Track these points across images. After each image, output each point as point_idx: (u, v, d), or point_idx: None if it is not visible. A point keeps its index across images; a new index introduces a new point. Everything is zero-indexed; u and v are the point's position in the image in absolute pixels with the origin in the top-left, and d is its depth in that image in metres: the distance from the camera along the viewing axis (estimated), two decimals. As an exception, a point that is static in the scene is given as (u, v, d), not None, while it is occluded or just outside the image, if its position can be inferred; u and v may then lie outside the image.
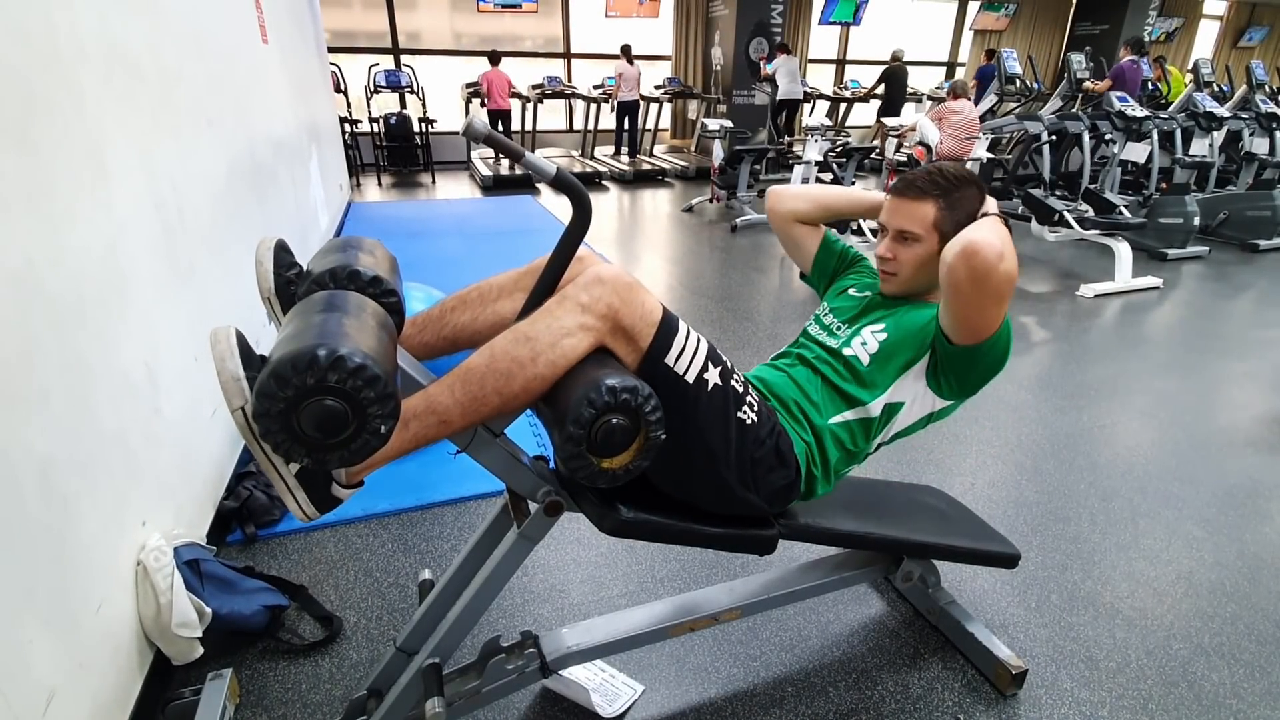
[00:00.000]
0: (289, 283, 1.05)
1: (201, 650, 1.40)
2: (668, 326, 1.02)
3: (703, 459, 1.09)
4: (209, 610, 1.43)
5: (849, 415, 1.23)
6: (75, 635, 1.14)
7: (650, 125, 9.07)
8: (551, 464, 1.17)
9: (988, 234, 1.01)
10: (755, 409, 1.13)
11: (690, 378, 1.03)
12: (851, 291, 1.40)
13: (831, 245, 1.49)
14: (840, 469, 1.26)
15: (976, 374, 1.18)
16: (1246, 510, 2.12)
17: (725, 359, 1.10)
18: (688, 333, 1.05)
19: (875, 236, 4.82)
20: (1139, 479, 2.28)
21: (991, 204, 1.22)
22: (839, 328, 1.33)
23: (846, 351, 1.26)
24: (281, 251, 1.06)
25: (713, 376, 1.05)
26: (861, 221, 4.66)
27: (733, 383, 1.09)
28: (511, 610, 1.67)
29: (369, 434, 0.81)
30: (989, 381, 1.20)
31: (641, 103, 8.63)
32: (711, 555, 1.86)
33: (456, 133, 8.74)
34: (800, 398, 1.26)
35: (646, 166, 8.31)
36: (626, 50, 8.19)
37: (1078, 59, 7.03)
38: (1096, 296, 4.22)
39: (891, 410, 1.23)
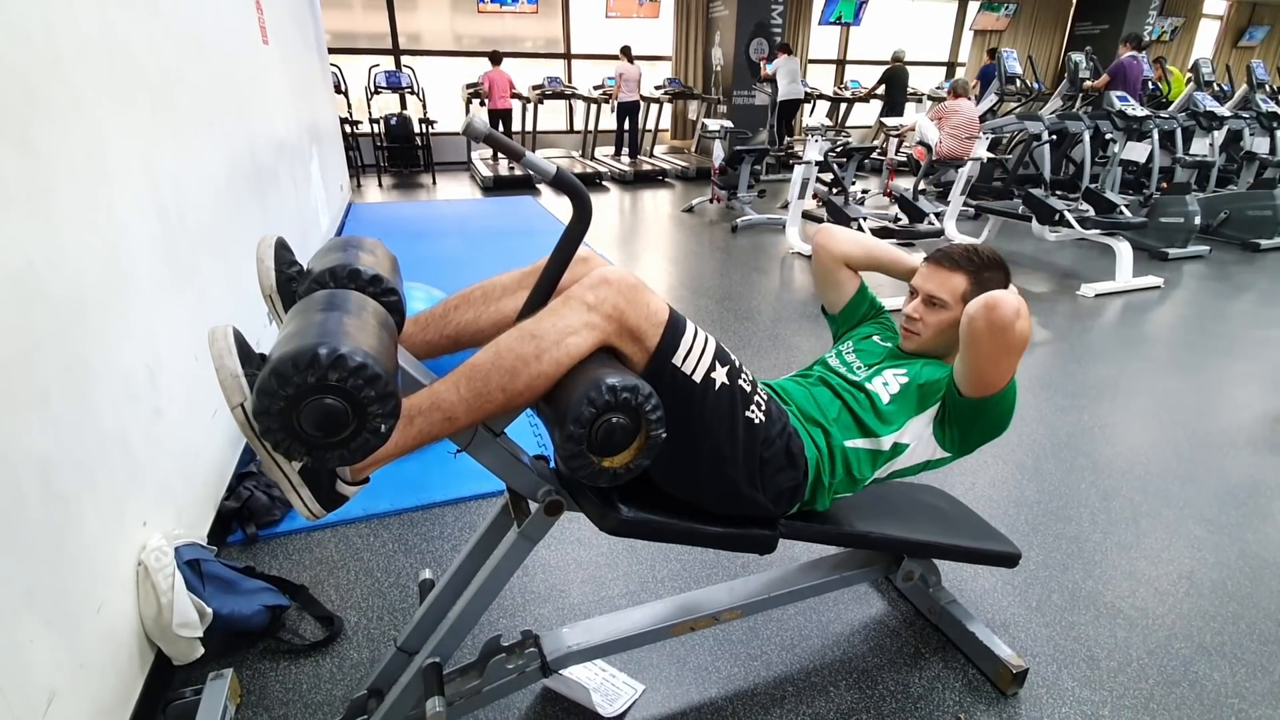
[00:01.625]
0: (290, 280, 1.05)
1: (202, 650, 1.40)
2: (675, 327, 1.02)
3: (710, 458, 1.09)
4: (210, 610, 1.43)
5: (861, 443, 1.27)
6: (76, 635, 1.14)
7: (651, 126, 9.07)
8: (552, 463, 1.17)
9: (1009, 295, 1.08)
10: (764, 408, 1.14)
11: (697, 377, 1.03)
12: (876, 339, 1.46)
13: (866, 292, 1.54)
14: (840, 490, 1.28)
15: (979, 429, 1.26)
16: (1248, 509, 2.12)
17: (734, 358, 1.11)
18: (695, 332, 1.05)
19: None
20: (1140, 478, 2.28)
21: (1012, 290, 1.29)
22: (860, 367, 1.38)
23: (868, 386, 1.32)
24: (282, 249, 1.06)
25: (720, 376, 1.06)
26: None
27: (740, 382, 1.10)
28: (512, 610, 1.67)
29: (369, 433, 0.81)
30: (987, 441, 1.29)
31: (642, 103, 8.63)
32: (712, 555, 1.86)
33: (457, 133, 8.74)
34: (820, 415, 1.29)
35: (647, 167, 8.30)
36: (627, 51, 8.20)
37: (1079, 59, 7.03)
38: (1097, 296, 4.22)
39: (897, 449, 1.27)
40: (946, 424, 1.26)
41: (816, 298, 4.06)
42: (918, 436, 1.27)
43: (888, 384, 1.30)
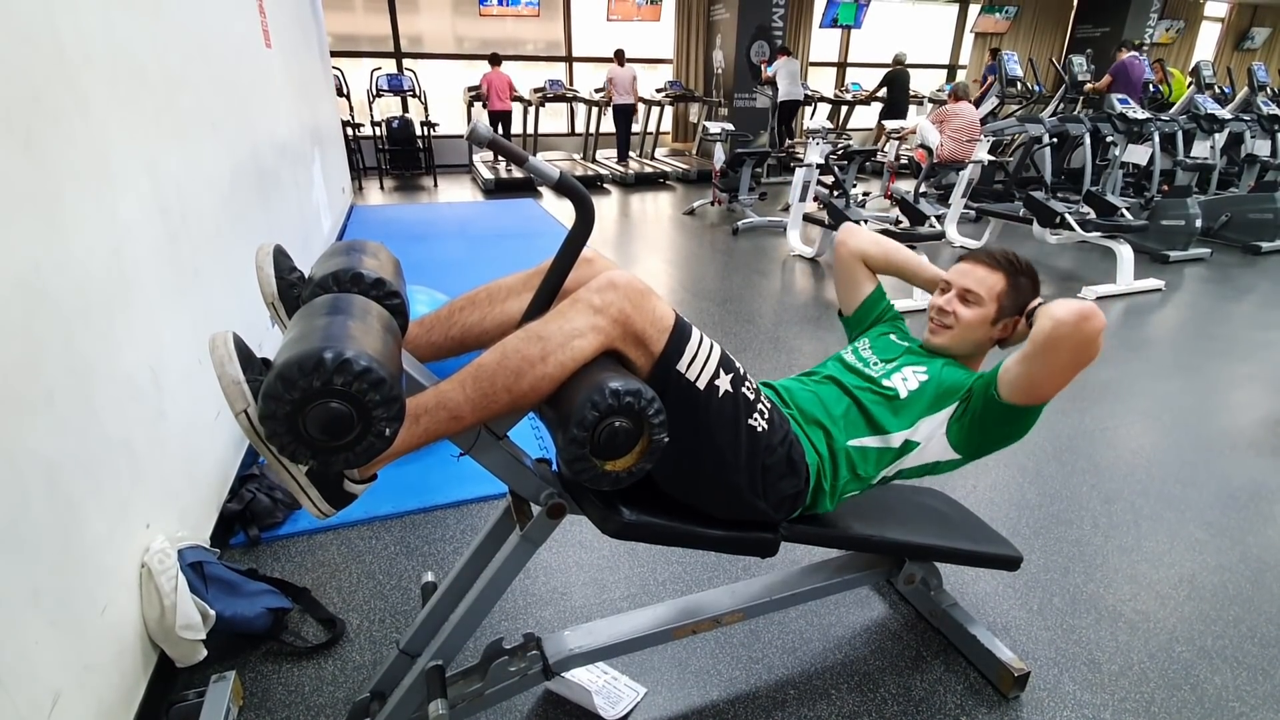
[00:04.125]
0: (291, 285, 1.05)
1: (205, 652, 1.41)
2: (680, 333, 1.03)
3: (712, 465, 1.09)
4: (213, 612, 1.43)
5: (869, 441, 1.27)
6: (80, 637, 1.14)
7: (652, 128, 9.09)
8: (554, 466, 1.17)
9: (1097, 309, 1.06)
10: (767, 416, 1.14)
11: (701, 384, 1.04)
12: (893, 338, 1.45)
13: (882, 294, 1.55)
14: (846, 491, 1.28)
15: (997, 435, 1.25)
16: (1249, 513, 2.12)
17: (738, 365, 1.11)
18: (700, 339, 1.05)
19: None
20: (1141, 481, 2.28)
21: (1041, 300, 1.31)
22: (877, 363, 1.38)
23: (886, 383, 1.31)
24: (280, 256, 1.07)
25: (724, 383, 1.06)
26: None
27: (744, 389, 1.10)
28: (514, 613, 1.67)
29: (374, 436, 0.81)
30: (1003, 447, 1.29)
31: (641, 106, 8.64)
32: (713, 558, 1.86)
33: (458, 136, 8.77)
34: (823, 415, 1.28)
35: (648, 169, 8.31)
36: (619, 54, 8.21)
37: (1079, 61, 7.04)
38: (1098, 299, 4.21)
39: (907, 447, 1.27)
40: (965, 425, 1.25)
41: (818, 300, 4.08)
42: (930, 436, 1.27)
43: (906, 380, 1.30)
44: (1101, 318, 1.05)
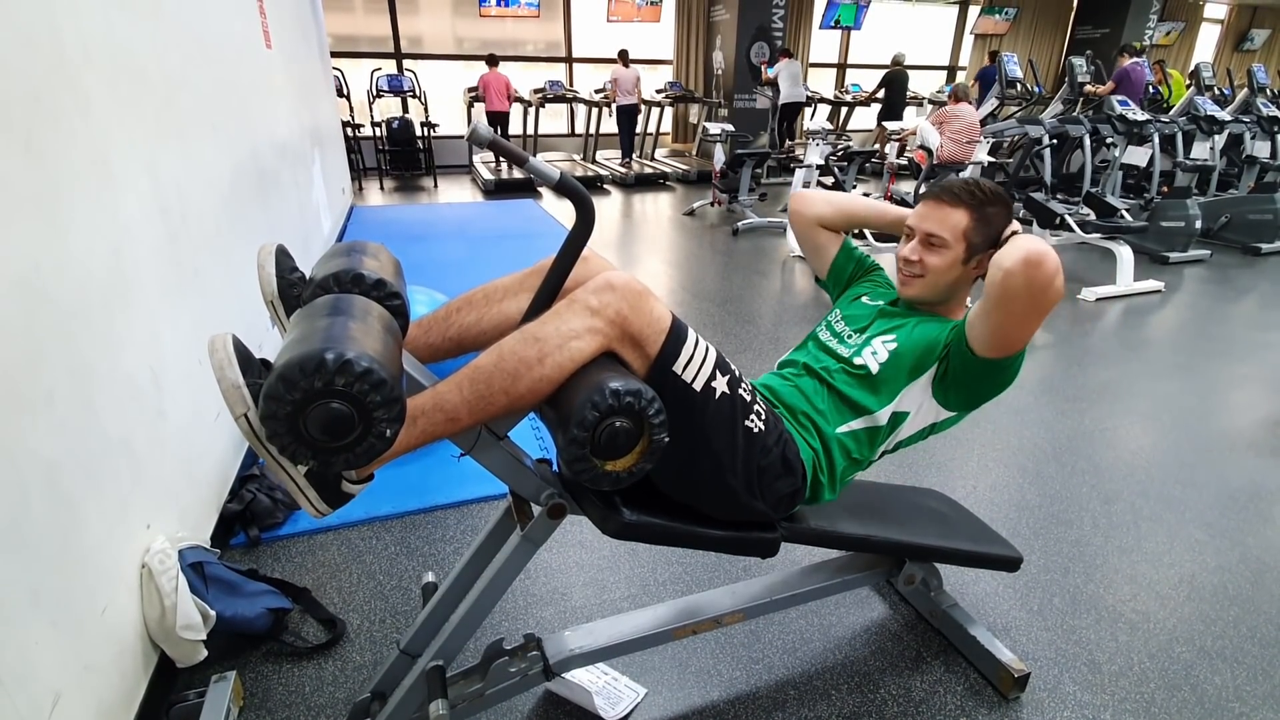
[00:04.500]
0: (291, 286, 1.05)
1: (205, 653, 1.40)
2: (677, 335, 1.02)
3: (709, 466, 1.09)
4: (213, 613, 1.43)
5: (856, 424, 1.25)
6: (81, 638, 1.14)
7: (652, 129, 9.09)
8: (554, 467, 1.17)
9: (1046, 248, 1.00)
10: (762, 417, 1.14)
11: (698, 386, 1.04)
12: (865, 299, 1.41)
13: (850, 251, 1.50)
14: (846, 477, 1.28)
15: (986, 388, 1.20)
16: (1249, 513, 2.12)
17: (734, 367, 1.11)
18: (696, 341, 1.05)
19: (877, 242, 4.83)
20: (1141, 482, 2.28)
21: (1016, 226, 1.23)
22: (850, 335, 1.35)
23: (857, 361, 1.28)
24: (283, 256, 1.07)
25: (720, 385, 1.06)
26: (867, 231, 4.65)
27: (740, 391, 1.10)
28: (514, 613, 1.67)
29: (374, 437, 0.81)
30: (993, 398, 1.22)
31: (643, 107, 8.64)
32: (714, 558, 1.86)
33: (459, 137, 8.77)
34: (808, 408, 1.27)
35: (648, 170, 8.32)
36: (623, 55, 8.21)
37: (1079, 63, 7.04)
38: (1098, 300, 4.22)
39: (897, 419, 1.25)
40: (950, 384, 1.20)
41: (818, 301, 4.08)
42: (916, 403, 1.24)
43: (876, 353, 1.26)
44: (1052, 259, 0.99)
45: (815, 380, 1.31)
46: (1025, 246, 1.01)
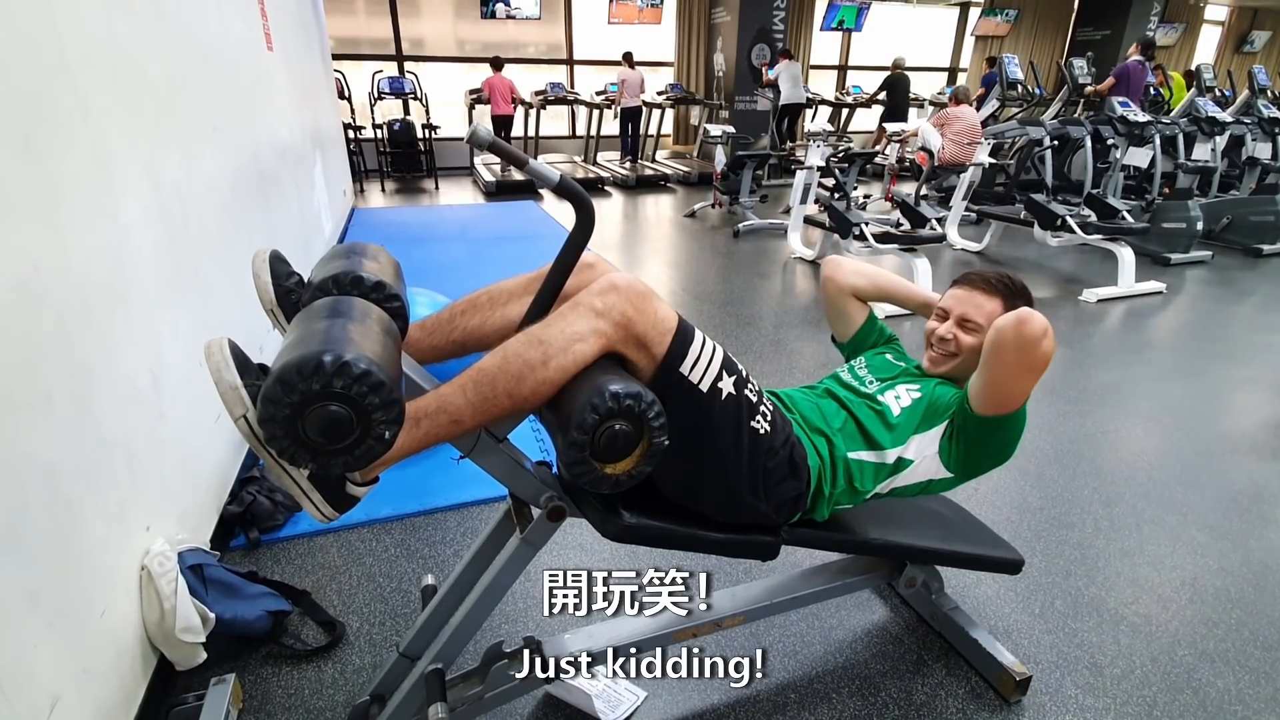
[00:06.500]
0: (289, 291, 1.05)
1: (205, 655, 1.40)
2: (683, 335, 1.02)
3: (714, 467, 1.09)
4: (212, 615, 1.43)
5: (865, 455, 1.27)
6: (79, 640, 1.14)
7: (653, 131, 9.10)
8: (554, 469, 1.17)
9: (1036, 313, 1.09)
10: (769, 419, 1.14)
11: (704, 387, 1.04)
12: (889, 358, 1.46)
13: (874, 323, 1.54)
14: (840, 501, 1.28)
15: (985, 450, 1.24)
16: (1251, 516, 2.11)
17: (740, 367, 1.11)
18: (703, 341, 1.05)
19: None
20: (1143, 484, 2.27)
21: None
22: (872, 381, 1.38)
23: (880, 398, 1.32)
24: (277, 262, 1.07)
25: (727, 385, 1.06)
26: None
27: (746, 392, 1.10)
28: (514, 616, 1.67)
29: (373, 439, 0.81)
30: (991, 467, 1.28)
31: (644, 109, 8.66)
32: (714, 561, 1.85)
33: (460, 139, 8.77)
34: (824, 425, 1.29)
35: (649, 172, 8.32)
36: (629, 57, 8.23)
37: (1079, 64, 7.04)
38: (1099, 301, 4.21)
39: (901, 464, 1.27)
40: (954, 441, 1.25)
41: (818, 302, 4.07)
42: (921, 453, 1.27)
43: (900, 398, 1.30)
44: (1038, 320, 1.06)
45: (836, 404, 1.34)
46: (1020, 309, 1.10)
